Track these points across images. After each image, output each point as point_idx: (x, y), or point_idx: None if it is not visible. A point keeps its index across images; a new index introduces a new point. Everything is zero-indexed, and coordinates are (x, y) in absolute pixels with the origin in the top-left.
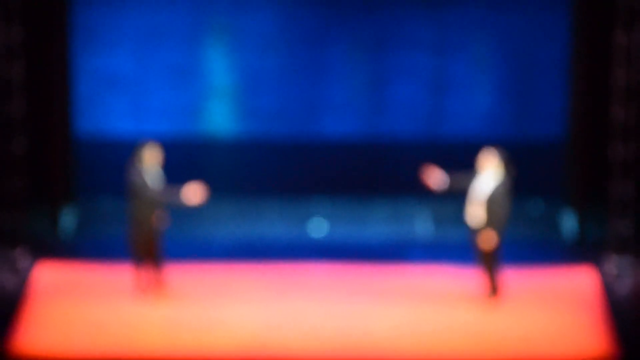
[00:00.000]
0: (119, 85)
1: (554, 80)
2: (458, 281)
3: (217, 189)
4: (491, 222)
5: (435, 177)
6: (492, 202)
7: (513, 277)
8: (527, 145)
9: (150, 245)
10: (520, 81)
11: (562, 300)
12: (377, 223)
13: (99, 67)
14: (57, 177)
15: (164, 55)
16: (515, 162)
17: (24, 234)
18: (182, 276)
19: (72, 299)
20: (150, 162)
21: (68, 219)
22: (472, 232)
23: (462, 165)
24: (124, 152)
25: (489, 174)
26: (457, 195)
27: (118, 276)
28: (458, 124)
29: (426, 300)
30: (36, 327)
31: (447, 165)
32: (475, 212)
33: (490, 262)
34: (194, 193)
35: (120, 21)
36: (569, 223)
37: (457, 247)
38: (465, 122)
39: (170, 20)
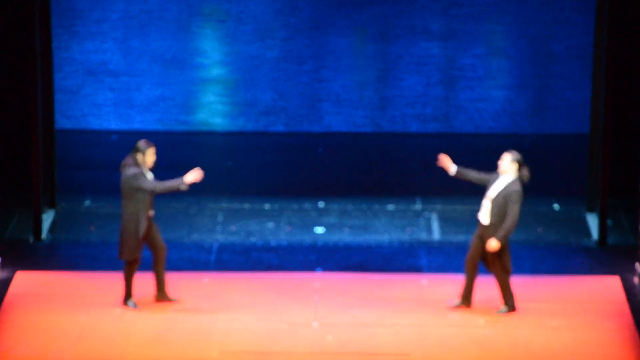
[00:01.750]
0: (103, 76)
1: (575, 71)
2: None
3: (210, 188)
4: (496, 228)
5: (450, 164)
6: (500, 207)
7: (529, 285)
8: (546, 142)
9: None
10: (538, 73)
11: (584, 311)
12: (384, 226)
13: (82, 56)
14: (36, 179)
15: (152, 44)
16: (532, 162)
17: (1, 240)
18: (174, 283)
19: (54, 308)
20: (149, 162)
21: (49, 224)
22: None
23: (474, 164)
24: (109, 150)
25: (508, 177)
26: (468, 196)
27: (103, 284)
28: (470, 119)
29: (436, 309)
30: (16, 338)
31: (457, 163)
32: (485, 214)
33: (498, 270)
34: (192, 175)
35: (105, 7)
36: (591, 227)
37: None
38: (477, 117)
39: (159, 5)
